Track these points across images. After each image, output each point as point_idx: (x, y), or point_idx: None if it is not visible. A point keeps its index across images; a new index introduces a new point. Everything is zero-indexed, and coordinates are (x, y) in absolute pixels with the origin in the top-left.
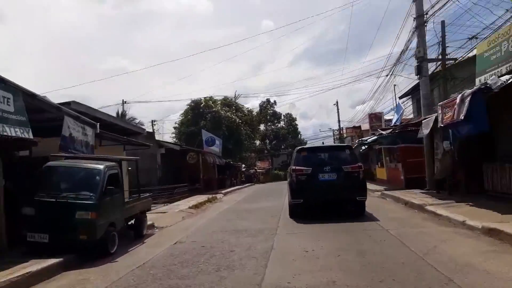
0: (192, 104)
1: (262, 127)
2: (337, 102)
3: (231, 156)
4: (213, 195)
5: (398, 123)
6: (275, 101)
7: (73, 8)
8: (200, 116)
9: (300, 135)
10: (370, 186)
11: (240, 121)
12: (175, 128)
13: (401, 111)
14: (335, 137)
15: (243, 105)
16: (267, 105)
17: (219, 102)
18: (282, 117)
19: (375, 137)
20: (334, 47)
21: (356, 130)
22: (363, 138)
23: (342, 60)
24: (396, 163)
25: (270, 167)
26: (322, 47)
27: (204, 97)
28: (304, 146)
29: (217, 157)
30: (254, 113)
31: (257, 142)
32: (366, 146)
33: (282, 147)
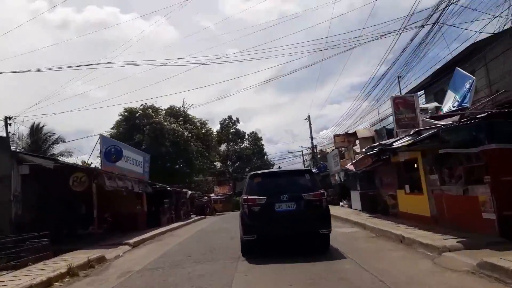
0: (126, 113)
1: (223, 146)
2: (309, 116)
3: (180, 180)
4: (101, 254)
5: (467, 105)
6: (237, 119)
7: (35, 33)
8: (137, 128)
9: (267, 156)
10: (393, 228)
11: (190, 134)
12: None
13: (472, 83)
14: (304, 157)
15: (193, 116)
16: (229, 123)
17: (162, 111)
18: (247, 136)
19: (427, 134)
20: (300, 74)
21: (350, 138)
22: (383, 142)
23: (309, 87)
24: (465, 185)
25: (231, 192)
26: (288, 74)
27: (142, 105)
28: (258, 171)
29: (136, 182)
30: (213, 129)
31: (218, 164)
32: (373, 159)
33: (247, 169)
